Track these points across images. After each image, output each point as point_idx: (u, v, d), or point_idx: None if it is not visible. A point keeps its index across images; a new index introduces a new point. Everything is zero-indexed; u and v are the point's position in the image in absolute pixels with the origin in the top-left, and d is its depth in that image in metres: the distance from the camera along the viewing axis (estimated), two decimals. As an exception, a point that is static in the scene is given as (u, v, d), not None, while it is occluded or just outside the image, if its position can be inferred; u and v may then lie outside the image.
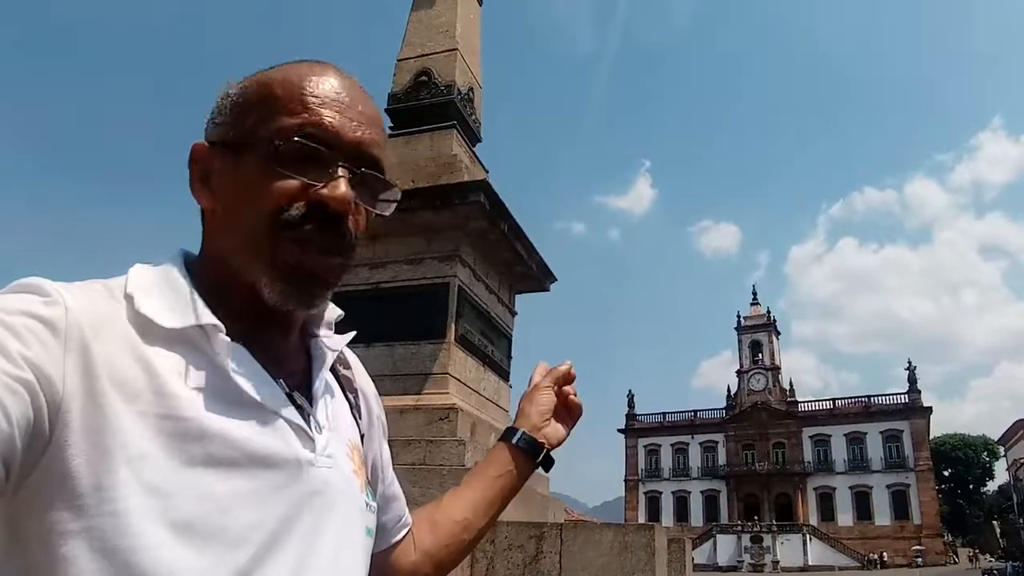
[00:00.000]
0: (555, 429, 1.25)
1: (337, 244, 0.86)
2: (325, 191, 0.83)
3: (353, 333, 1.04)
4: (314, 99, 0.86)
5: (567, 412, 1.28)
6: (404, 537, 1.14)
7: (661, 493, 75.04)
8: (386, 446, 1.14)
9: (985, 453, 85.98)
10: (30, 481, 0.68)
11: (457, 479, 5.38)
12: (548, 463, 1.23)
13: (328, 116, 0.85)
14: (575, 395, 1.28)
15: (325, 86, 0.88)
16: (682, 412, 78.63)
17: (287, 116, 0.85)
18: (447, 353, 6.00)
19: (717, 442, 73.87)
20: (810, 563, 60.42)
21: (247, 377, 0.81)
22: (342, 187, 0.83)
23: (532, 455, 1.21)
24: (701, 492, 73.56)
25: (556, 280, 7.89)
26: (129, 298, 0.80)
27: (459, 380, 6.10)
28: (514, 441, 1.21)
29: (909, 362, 71.05)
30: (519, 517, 5.59)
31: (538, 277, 7.60)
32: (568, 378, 1.29)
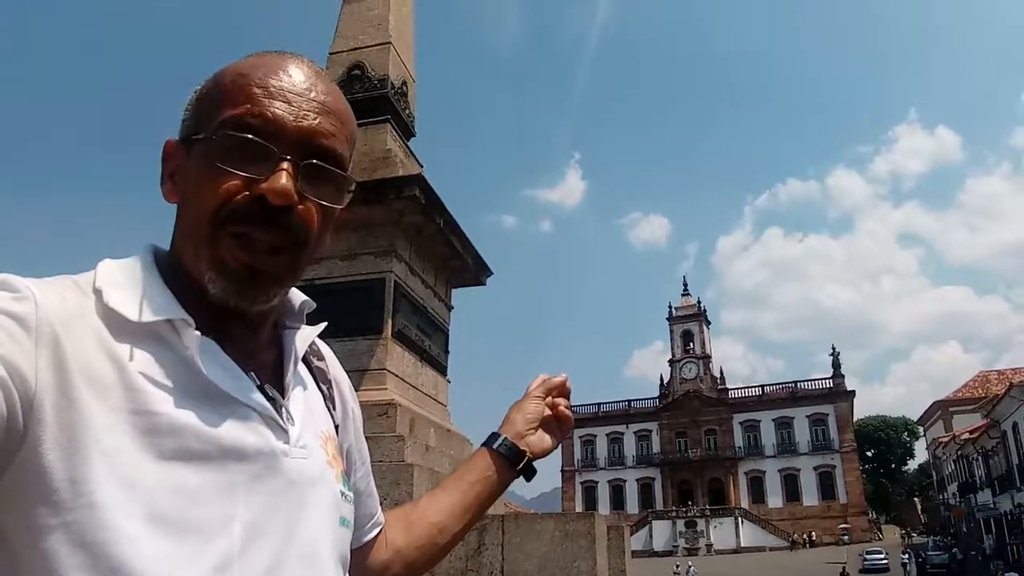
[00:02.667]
0: (540, 438, 1.23)
1: (281, 239, 0.84)
2: (265, 185, 0.81)
3: (324, 324, 1.04)
4: (259, 89, 0.85)
5: (557, 424, 1.26)
6: (376, 537, 1.13)
7: (597, 482, 76.10)
8: (362, 439, 1.14)
9: (905, 434, 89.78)
10: (6, 478, 0.68)
11: (397, 475, 5.35)
12: (529, 472, 1.21)
13: (271, 107, 0.84)
14: (567, 407, 1.27)
15: (275, 76, 0.86)
16: (617, 402, 79.78)
17: (230, 108, 0.84)
18: (384, 349, 5.98)
19: (651, 431, 75.25)
20: (742, 545, 62.16)
21: (217, 370, 0.81)
22: (282, 180, 0.82)
23: (513, 462, 1.19)
24: (636, 480, 74.85)
25: (492, 274, 7.90)
26: (98, 292, 0.79)
27: (397, 376, 6.08)
28: (495, 446, 1.19)
29: (833, 348, 74.01)
30: (459, 511, 5.59)
31: (473, 271, 7.60)
32: (563, 390, 1.27)
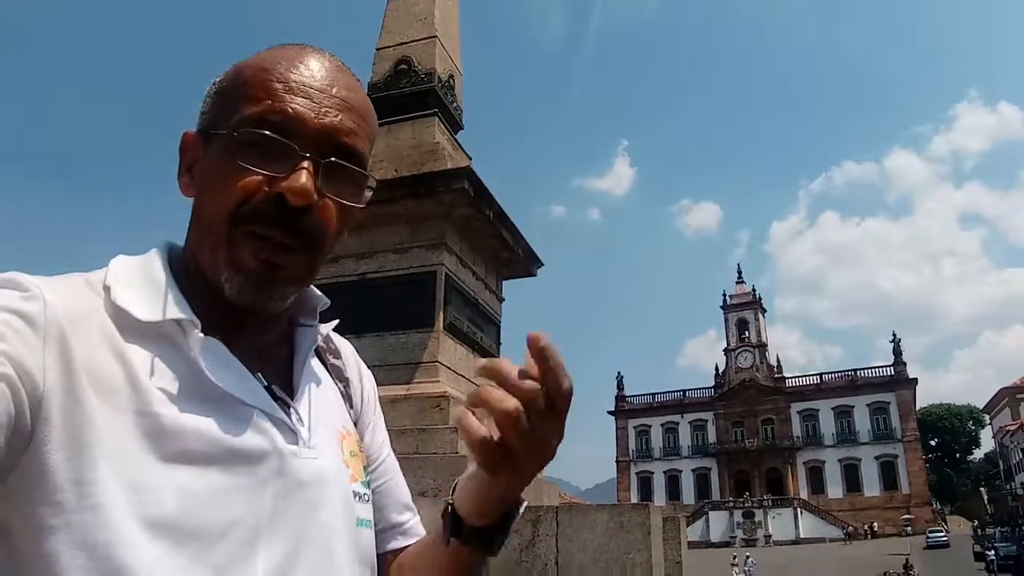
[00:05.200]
0: (476, 484, 0.82)
1: (298, 241, 0.82)
2: (284, 184, 0.79)
3: (336, 321, 1.02)
4: (280, 85, 0.82)
5: (552, 415, 0.74)
6: (394, 551, 1.02)
7: (652, 473, 75.68)
8: (380, 437, 1.07)
9: (971, 422, 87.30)
10: (12, 477, 0.68)
11: (450, 467, 5.37)
12: (481, 537, 0.84)
13: (292, 103, 0.82)
14: (551, 371, 0.73)
15: (296, 71, 0.84)
16: (671, 392, 79.19)
17: (251, 104, 0.82)
18: (436, 341, 6.00)
19: (707, 420, 74.49)
20: (801, 536, 61.10)
21: (223, 372, 0.80)
22: (302, 179, 0.79)
23: (462, 535, 0.85)
24: (692, 470, 74.20)
25: (542, 265, 7.88)
26: (107, 290, 0.79)
27: (449, 368, 6.10)
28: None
29: (894, 334, 72.06)
30: (514, 502, 5.60)
31: (524, 262, 7.59)
32: (538, 355, 0.73)
